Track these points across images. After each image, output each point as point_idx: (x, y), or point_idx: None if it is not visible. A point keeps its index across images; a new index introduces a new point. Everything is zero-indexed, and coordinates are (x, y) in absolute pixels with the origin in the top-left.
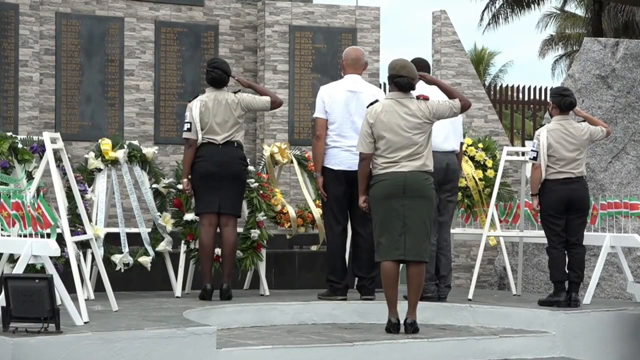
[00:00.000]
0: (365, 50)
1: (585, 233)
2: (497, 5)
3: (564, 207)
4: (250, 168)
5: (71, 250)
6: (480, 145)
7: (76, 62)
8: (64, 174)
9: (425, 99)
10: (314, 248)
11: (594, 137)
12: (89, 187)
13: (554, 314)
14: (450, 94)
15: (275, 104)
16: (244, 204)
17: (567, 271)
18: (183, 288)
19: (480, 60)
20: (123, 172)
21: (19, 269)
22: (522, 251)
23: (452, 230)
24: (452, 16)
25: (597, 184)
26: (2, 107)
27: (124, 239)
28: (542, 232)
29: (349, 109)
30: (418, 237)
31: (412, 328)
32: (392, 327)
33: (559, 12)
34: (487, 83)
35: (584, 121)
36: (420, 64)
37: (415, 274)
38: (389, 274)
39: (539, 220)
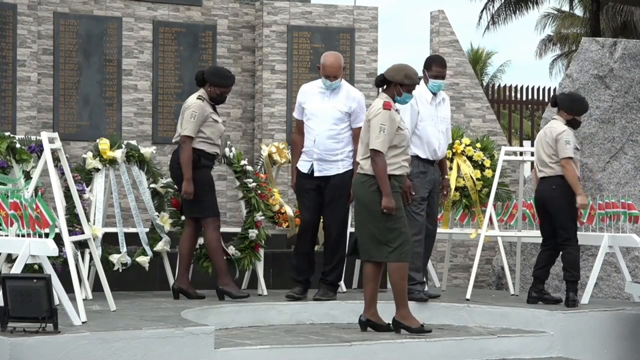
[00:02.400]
0: (363, 50)
1: (584, 233)
2: (496, 6)
3: (541, 208)
4: (249, 168)
5: (69, 250)
6: (478, 145)
7: (74, 62)
8: (62, 173)
9: (386, 106)
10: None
11: (558, 142)
12: (87, 187)
13: (552, 313)
14: None
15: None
16: (242, 204)
17: (544, 269)
18: None
19: (477, 60)
20: (121, 172)
21: (17, 268)
22: (520, 251)
23: (449, 230)
24: (450, 16)
25: (595, 184)
26: (0, 107)
27: (122, 239)
28: (539, 232)
29: None
30: (362, 239)
31: (395, 326)
32: (359, 323)
33: (557, 12)
34: (485, 83)
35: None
36: (427, 60)
37: (389, 273)
38: (364, 273)
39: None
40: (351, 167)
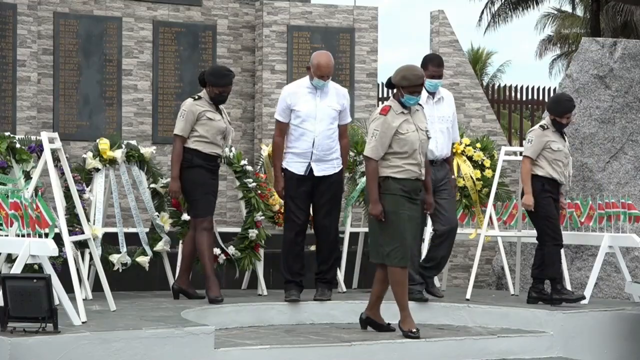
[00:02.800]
0: (363, 50)
1: (583, 233)
2: (496, 6)
3: None
4: (249, 168)
5: (69, 250)
6: (478, 145)
7: (74, 62)
8: (62, 173)
9: (383, 111)
10: (312, 248)
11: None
12: (87, 186)
13: (552, 313)
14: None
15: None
16: (242, 204)
17: (541, 269)
18: None
19: (477, 60)
20: (121, 172)
21: (17, 268)
22: (520, 251)
23: None
24: (450, 16)
25: (595, 184)
26: (0, 107)
27: (122, 239)
28: None
29: None
30: (370, 240)
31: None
32: (359, 320)
33: (557, 12)
34: (485, 83)
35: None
36: (424, 60)
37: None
38: (375, 274)
39: None
40: (342, 166)
